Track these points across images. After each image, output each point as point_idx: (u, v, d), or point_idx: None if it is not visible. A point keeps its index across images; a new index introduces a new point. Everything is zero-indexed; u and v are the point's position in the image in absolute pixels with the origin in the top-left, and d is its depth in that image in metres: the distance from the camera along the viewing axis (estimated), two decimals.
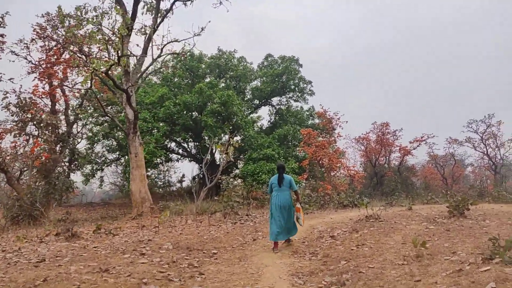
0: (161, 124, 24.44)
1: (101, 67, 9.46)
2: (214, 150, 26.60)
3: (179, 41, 12.94)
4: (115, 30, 8.90)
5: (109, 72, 11.14)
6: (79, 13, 10.28)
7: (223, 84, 28.39)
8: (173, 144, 30.77)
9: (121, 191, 33.24)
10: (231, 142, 12.57)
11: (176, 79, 27.30)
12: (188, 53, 27.90)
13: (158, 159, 28.46)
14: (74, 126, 31.03)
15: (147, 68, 12.95)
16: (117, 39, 8.93)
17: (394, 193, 28.11)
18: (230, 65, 27.77)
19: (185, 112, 24.70)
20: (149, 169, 35.49)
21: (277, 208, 7.30)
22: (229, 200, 9.89)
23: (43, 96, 15.08)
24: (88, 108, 23.83)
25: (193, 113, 26.14)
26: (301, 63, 29.52)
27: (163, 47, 12.91)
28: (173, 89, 26.67)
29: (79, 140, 30.69)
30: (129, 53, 12.34)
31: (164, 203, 12.49)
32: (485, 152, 33.78)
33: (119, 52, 9.01)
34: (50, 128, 13.91)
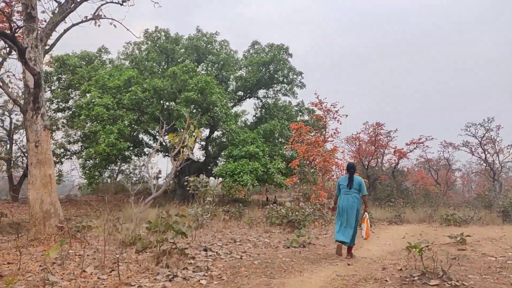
0: (126, 112, 19.47)
1: None
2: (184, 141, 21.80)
3: None
4: None
5: None
6: None
7: (203, 72, 23.54)
8: (146, 137, 25.83)
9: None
10: (192, 130, 7.74)
11: (148, 63, 22.31)
12: (163, 33, 23.00)
13: (127, 152, 23.55)
14: None
15: (63, 17, 8.02)
16: None
17: (390, 199, 23.71)
18: (210, 48, 22.84)
19: (155, 100, 19.76)
20: (123, 164, 30.65)
21: (343, 210, 6.36)
22: (168, 226, 5.05)
23: None
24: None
25: (169, 102, 21.20)
26: (291, 53, 24.77)
27: None
28: (144, 73, 21.71)
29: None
30: None
31: (84, 219, 7.61)
32: (484, 158, 29.52)
33: None
34: None
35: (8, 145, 24.68)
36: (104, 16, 8.53)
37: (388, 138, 27.84)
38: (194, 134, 7.86)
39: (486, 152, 29.17)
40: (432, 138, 27.09)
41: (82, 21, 8.31)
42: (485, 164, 30.20)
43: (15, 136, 25.15)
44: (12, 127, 24.60)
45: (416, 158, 34.10)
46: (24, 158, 25.59)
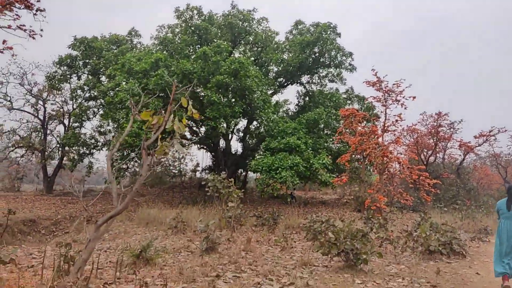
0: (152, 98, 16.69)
1: None
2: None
3: None
4: None
5: None
6: None
7: (239, 56, 20.25)
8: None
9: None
10: (184, 107, 4.47)
11: (180, 44, 19.29)
12: (195, 11, 19.93)
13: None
14: (70, 102, 24.08)
15: None
16: None
17: (455, 201, 19.23)
18: (247, 27, 19.41)
19: (184, 84, 16.80)
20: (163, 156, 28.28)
21: (507, 237, 5.27)
22: None
23: None
24: None
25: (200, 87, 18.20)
26: (339, 32, 20.80)
27: None
28: (174, 55, 18.81)
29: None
30: None
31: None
32: None
33: None
34: None
35: (42, 135, 22.99)
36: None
37: (452, 130, 23.17)
38: (187, 113, 4.60)
39: None
40: (505, 130, 22.07)
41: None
42: None
43: (50, 126, 23.47)
44: (46, 116, 22.89)
45: (477, 153, 28.92)
46: (59, 149, 23.82)
